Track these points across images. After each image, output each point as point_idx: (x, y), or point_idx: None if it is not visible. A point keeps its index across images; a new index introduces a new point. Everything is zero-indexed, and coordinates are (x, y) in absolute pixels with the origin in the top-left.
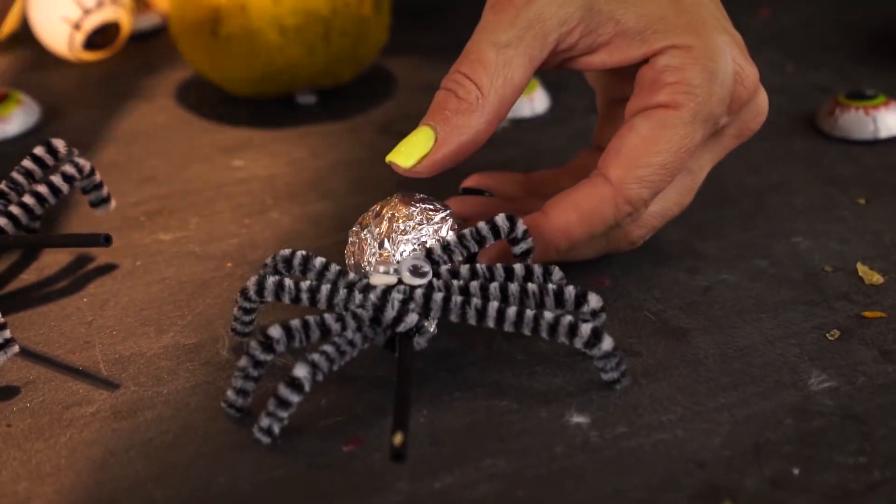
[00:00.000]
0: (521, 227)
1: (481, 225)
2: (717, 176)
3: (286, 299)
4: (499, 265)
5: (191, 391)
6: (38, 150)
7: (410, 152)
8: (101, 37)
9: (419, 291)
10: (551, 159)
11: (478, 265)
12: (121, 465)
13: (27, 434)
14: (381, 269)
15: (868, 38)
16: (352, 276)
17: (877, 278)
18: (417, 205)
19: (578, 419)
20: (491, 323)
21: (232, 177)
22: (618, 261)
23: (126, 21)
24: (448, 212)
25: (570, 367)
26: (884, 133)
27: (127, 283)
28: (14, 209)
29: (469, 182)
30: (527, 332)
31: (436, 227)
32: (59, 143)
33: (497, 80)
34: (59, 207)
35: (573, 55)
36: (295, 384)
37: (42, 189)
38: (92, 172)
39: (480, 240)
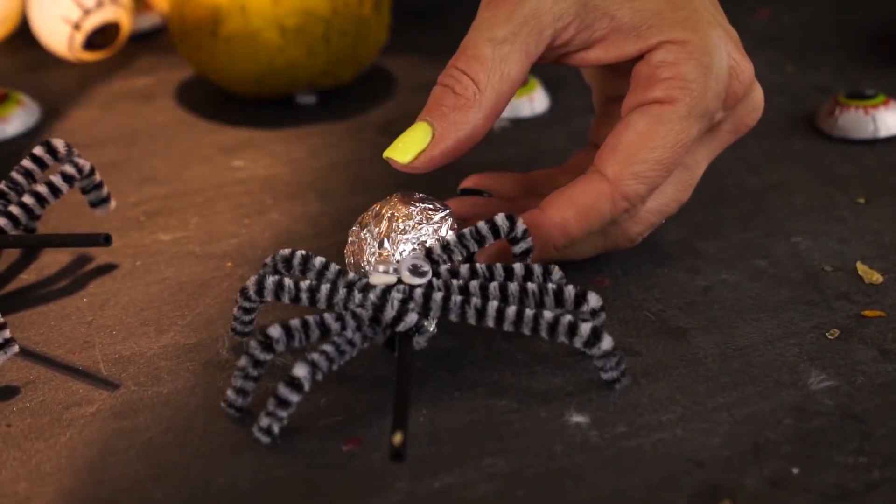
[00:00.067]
0: (520, 226)
1: (481, 224)
2: (716, 176)
3: (286, 299)
4: (498, 265)
5: (191, 391)
6: (38, 150)
7: (408, 148)
8: (101, 37)
9: (419, 291)
10: (551, 159)
11: (477, 265)
12: (121, 465)
13: (27, 434)
14: (381, 268)
15: (868, 37)
16: (351, 275)
17: (876, 278)
18: (417, 204)
19: (578, 419)
20: (490, 322)
21: (232, 177)
22: (617, 260)
23: (126, 21)
24: (447, 211)
25: (570, 366)
26: (883, 133)
27: (127, 283)
28: (14, 209)
29: (467, 183)
30: (526, 331)
31: (435, 226)
32: (59, 143)
33: (494, 76)
34: (59, 207)
35: (569, 51)
36: (294, 384)
37: (42, 189)
38: (92, 172)
39: (480, 239)
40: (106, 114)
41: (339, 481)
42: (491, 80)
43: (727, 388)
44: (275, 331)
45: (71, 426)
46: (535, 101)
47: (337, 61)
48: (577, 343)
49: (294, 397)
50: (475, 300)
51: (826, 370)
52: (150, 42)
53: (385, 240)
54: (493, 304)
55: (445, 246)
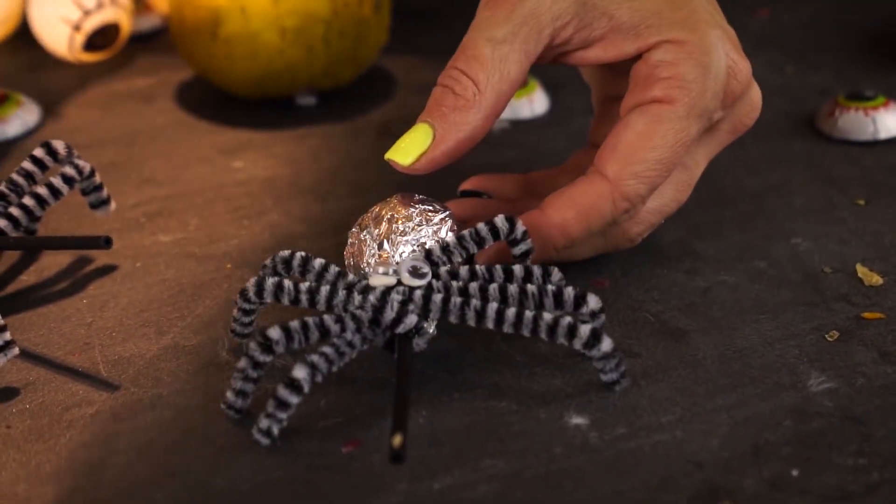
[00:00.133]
0: (520, 228)
1: (480, 226)
2: (716, 177)
3: (285, 300)
4: (498, 266)
5: (190, 392)
6: (38, 152)
7: (409, 150)
8: (101, 38)
9: (418, 292)
10: (551, 160)
11: (477, 266)
12: (120, 467)
13: (27, 435)
14: (381, 270)
15: (868, 38)
16: (351, 277)
17: (876, 279)
18: (416, 206)
19: (577, 420)
20: (490, 324)
21: (232, 178)
22: (617, 262)
23: (126, 22)
24: (447, 213)
25: (570, 368)
26: (883, 134)
27: (126, 284)
28: (14, 211)
29: (467, 185)
30: (526, 333)
31: (435, 228)
32: (59, 145)
33: (493, 76)
34: (60, 209)
35: (568, 50)
36: (294, 385)
37: (42, 191)
38: (92, 174)
39: (480, 241)
40: (106, 115)
41: (339, 483)
42: (491, 81)
43: (727, 389)
44: (274, 332)
45: (70, 428)
46: (534, 103)
47: (337, 62)
48: (577, 345)
49: (293, 399)
50: (475, 302)
51: (826, 372)
52: (149, 43)
53: (385, 241)
54: (493, 306)
55: (445, 247)
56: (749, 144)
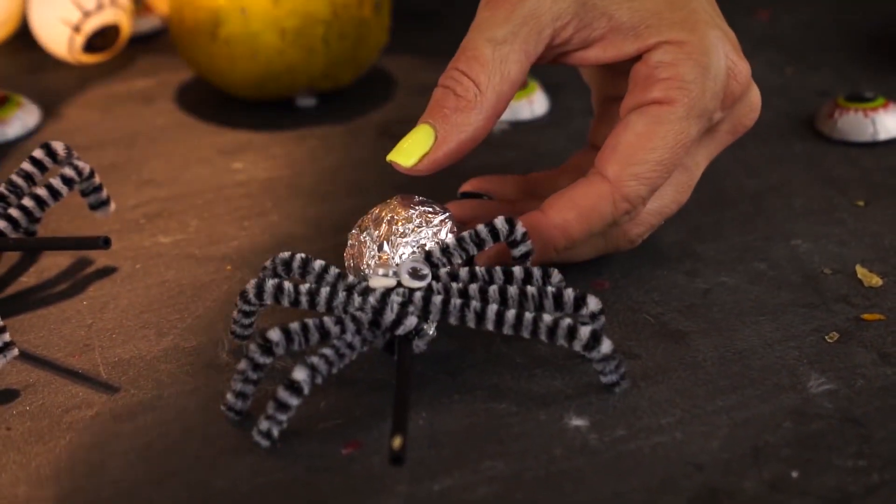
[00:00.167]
0: (520, 229)
1: (480, 228)
2: (716, 178)
3: (285, 302)
4: (498, 268)
5: (190, 394)
6: (38, 153)
7: (411, 151)
8: (101, 39)
9: (418, 294)
10: (551, 161)
11: (477, 268)
12: (120, 469)
13: (27, 437)
14: (381, 271)
15: (868, 39)
16: (351, 278)
17: (876, 281)
18: (416, 207)
19: (577, 422)
20: (490, 326)
21: (231, 179)
22: (617, 263)
23: (126, 23)
24: (447, 214)
25: (569, 369)
26: (883, 135)
27: (126, 285)
28: (13, 212)
29: (467, 186)
30: (526, 334)
31: (435, 229)
32: (59, 146)
33: (494, 77)
34: (60, 210)
35: (567, 50)
36: (294, 387)
37: (41, 192)
38: (91, 175)
39: (479, 242)
40: (106, 116)
41: (339, 485)
42: (492, 81)
43: (726, 391)
44: (274, 334)
45: (70, 429)
46: (534, 104)
47: (337, 63)
48: (577, 346)
49: (293, 401)
50: (475, 303)
51: (825, 373)
52: (149, 44)
53: (384, 243)
54: (493, 308)
55: (445, 249)
56: (749, 145)
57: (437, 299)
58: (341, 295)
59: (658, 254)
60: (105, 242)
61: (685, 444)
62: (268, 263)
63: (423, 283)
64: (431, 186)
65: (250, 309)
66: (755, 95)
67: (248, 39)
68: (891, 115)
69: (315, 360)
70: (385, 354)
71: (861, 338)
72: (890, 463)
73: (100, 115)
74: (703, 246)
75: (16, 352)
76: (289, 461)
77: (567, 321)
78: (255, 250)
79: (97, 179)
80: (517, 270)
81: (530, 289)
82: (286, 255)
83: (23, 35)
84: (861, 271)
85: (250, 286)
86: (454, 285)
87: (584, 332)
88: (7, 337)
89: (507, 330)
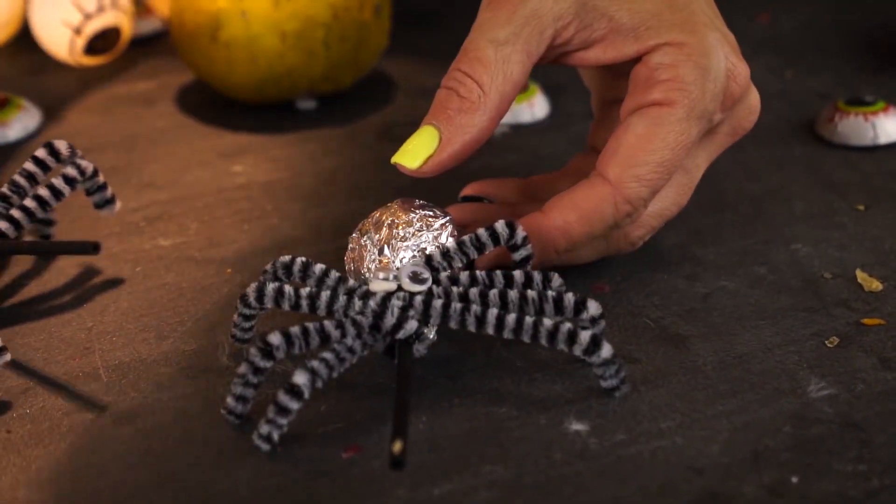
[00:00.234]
0: (520, 233)
1: (481, 231)
2: (716, 181)
3: (286, 306)
4: (498, 272)
5: (190, 398)
6: (40, 153)
7: (416, 153)
8: (102, 41)
9: (419, 298)
10: (551, 164)
11: (477, 272)
12: (120, 472)
13: (27, 440)
14: (381, 275)
15: (868, 43)
16: (351, 282)
17: (876, 285)
18: (417, 211)
19: (577, 426)
20: (490, 330)
21: (232, 182)
22: (617, 267)
23: (127, 26)
24: (448, 218)
25: (570, 374)
26: (883, 139)
27: (127, 288)
28: (15, 213)
29: (468, 190)
30: (526, 339)
31: (435, 233)
32: (62, 145)
33: (497, 78)
34: (63, 209)
35: (568, 50)
36: (294, 391)
37: (43, 192)
38: (95, 174)
39: (480, 246)
40: (106, 118)
41: (339, 489)
42: (495, 82)
43: (726, 395)
44: (275, 338)
45: (71, 432)
46: (535, 107)
47: (337, 66)
48: (577, 351)
49: (294, 405)
50: (475, 307)
51: (825, 378)
52: (150, 47)
53: (385, 247)
54: (493, 312)
55: (445, 253)
56: (749, 149)
57: (438, 303)
58: (342, 299)
59: (658, 257)
60: (94, 248)
61: (685, 449)
62: (268, 267)
63: (423, 287)
64: (432, 189)
65: (250, 312)
66: (754, 97)
67: (249, 42)
68: (891, 118)
69: (315, 363)
70: (385, 358)
71: (861, 342)
72: (890, 468)
73: (100, 118)
74: (703, 250)
75: (7, 356)
76: (289, 465)
77: (567, 325)
78: (256, 253)
79: (101, 178)
80: (517, 274)
81: (530, 293)
82: (286, 258)
83: (24, 37)
84: (861, 276)
85: (251, 289)
86: (455, 289)
87: (585, 336)
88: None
89: (507, 334)
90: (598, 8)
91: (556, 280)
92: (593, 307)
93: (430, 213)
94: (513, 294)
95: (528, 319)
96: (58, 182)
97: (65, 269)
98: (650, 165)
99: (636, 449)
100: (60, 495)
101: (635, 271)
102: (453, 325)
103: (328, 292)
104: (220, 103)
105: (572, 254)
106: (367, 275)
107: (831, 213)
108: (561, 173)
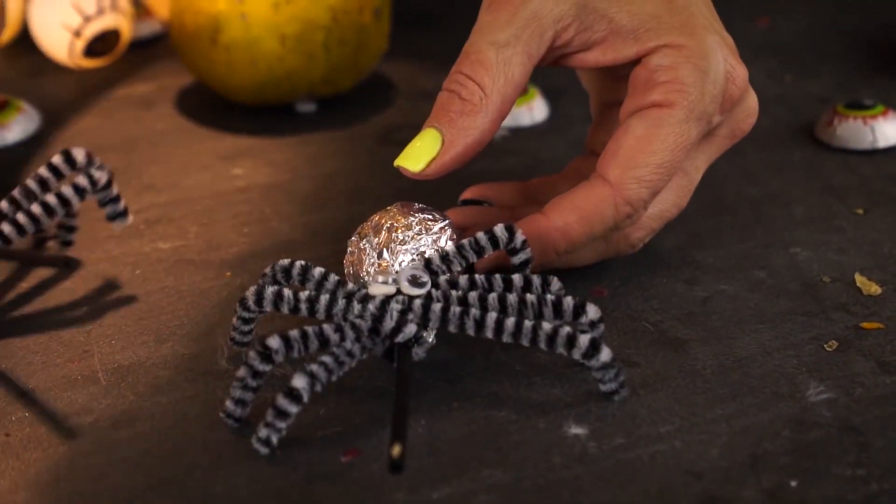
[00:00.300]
0: (519, 237)
1: (480, 235)
2: (715, 185)
3: (285, 309)
4: (497, 276)
5: (189, 401)
6: (56, 159)
7: (419, 156)
8: (102, 44)
9: (418, 302)
10: (551, 167)
11: (476, 276)
12: (119, 475)
13: (25, 444)
14: (380, 279)
15: (867, 47)
16: (350, 286)
17: (875, 289)
18: (416, 215)
19: (576, 430)
20: (489, 333)
21: (231, 185)
22: (616, 270)
23: (126, 28)
24: (447, 222)
25: (569, 377)
26: (882, 143)
27: (125, 291)
28: (20, 217)
29: (467, 194)
30: (525, 342)
31: (434, 237)
32: (79, 153)
33: (499, 80)
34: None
35: (568, 52)
36: (293, 395)
37: (51, 199)
38: (108, 185)
39: (479, 250)
40: (106, 121)
41: (338, 492)
42: (496, 84)
43: (725, 399)
44: (274, 341)
45: (69, 436)
46: (534, 110)
47: (337, 69)
48: (576, 354)
49: (293, 408)
50: (474, 311)
51: (824, 382)
52: (150, 49)
53: (384, 250)
54: (492, 316)
55: (444, 257)
56: (748, 152)
57: (437, 307)
58: (341, 302)
59: (657, 261)
60: (66, 264)
61: (684, 453)
62: (267, 270)
63: (422, 291)
64: (431, 193)
65: (250, 316)
66: (753, 100)
67: (249, 45)
68: (890, 122)
69: (314, 367)
70: (384, 362)
71: (860, 346)
72: (889, 472)
73: (100, 120)
74: (703, 253)
75: None
76: (288, 468)
77: (566, 329)
78: (255, 256)
79: (114, 190)
80: (516, 278)
81: (529, 297)
82: (286, 261)
83: (23, 39)
84: (860, 279)
85: (250, 293)
86: (454, 293)
87: (584, 340)
88: None
89: (506, 338)
90: (597, 10)
91: (555, 284)
92: (592, 311)
93: (430, 217)
94: (512, 298)
95: (527, 323)
96: (67, 190)
97: (64, 271)
98: (650, 167)
99: (635, 453)
100: (59, 498)
101: (634, 275)
102: (452, 328)
103: (327, 296)
104: (219, 106)
105: (572, 255)
106: (366, 278)
107: (830, 217)
108: (560, 176)
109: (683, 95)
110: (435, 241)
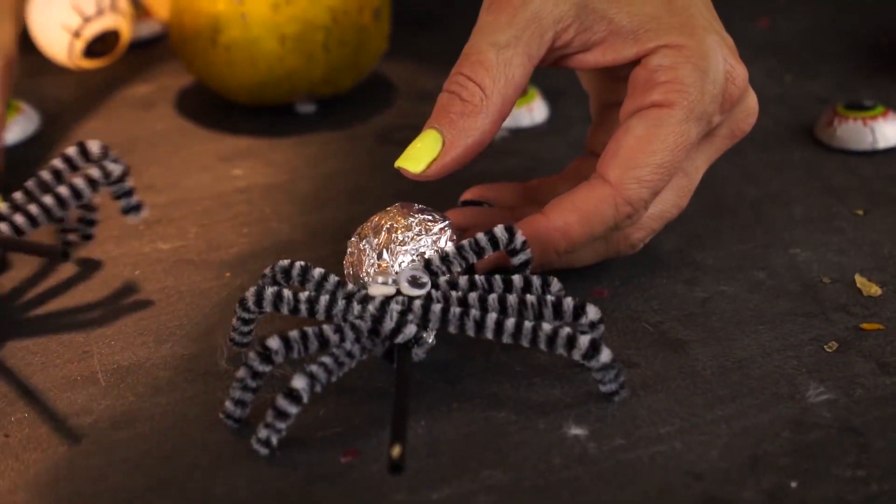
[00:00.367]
0: (519, 238)
1: (480, 236)
2: (715, 185)
3: (285, 310)
4: (497, 276)
5: (189, 402)
6: (70, 151)
7: (420, 157)
8: (101, 45)
9: (418, 302)
10: (551, 168)
11: (476, 276)
12: (118, 476)
13: (25, 444)
14: (380, 279)
15: (867, 47)
16: (350, 286)
17: (875, 290)
18: (416, 215)
19: (576, 431)
20: (489, 334)
21: (231, 186)
22: (616, 271)
23: (126, 29)
24: (447, 223)
25: (569, 378)
26: (882, 144)
27: (125, 292)
28: (32, 208)
29: (467, 195)
30: (525, 343)
31: (434, 237)
32: (94, 145)
33: (499, 81)
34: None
35: (568, 53)
36: (293, 395)
37: (63, 190)
38: (122, 178)
39: (479, 251)
40: (105, 121)
41: (337, 493)
42: (497, 85)
43: (725, 400)
44: (274, 342)
45: (69, 436)
46: (534, 111)
47: (337, 70)
48: (576, 355)
49: (293, 409)
50: (474, 312)
51: (824, 383)
52: (149, 50)
53: (384, 251)
54: (492, 316)
55: (444, 257)
56: (748, 153)
57: (437, 308)
58: (341, 303)
59: (657, 262)
60: (64, 255)
61: (684, 454)
62: (267, 271)
63: (422, 292)
64: (431, 194)
65: (249, 316)
66: (752, 100)
67: (248, 45)
68: (890, 123)
69: (314, 368)
70: (384, 363)
71: (860, 347)
72: (889, 473)
73: (99, 121)
74: (703, 254)
75: None
76: (287, 469)
77: (566, 330)
78: (255, 257)
79: (128, 183)
80: (516, 279)
81: (529, 297)
82: (285, 262)
83: (23, 40)
84: (860, 280)
85: (249, 294)
86: (453, 294)
87: (584, 341)
88: None
89: (506, 339)
90: (597, 11)
91: (555, 284)
92: (592, 312)
93: (430, 218)
94: (512, 298)
95: (527, 324)
96: (79, 182)
97: (63, 271)
98: (650, 167)
99: (635, 454)
100: (59, 499)
101: (634, 276)
102: (452, 329)
103: (327, 296)
104: (219, 106)
105: (572, 256)
106: (366, 279)
107: (830, 218)
108: (560, 177)
109: (683, 95)
110: (435, 242)
